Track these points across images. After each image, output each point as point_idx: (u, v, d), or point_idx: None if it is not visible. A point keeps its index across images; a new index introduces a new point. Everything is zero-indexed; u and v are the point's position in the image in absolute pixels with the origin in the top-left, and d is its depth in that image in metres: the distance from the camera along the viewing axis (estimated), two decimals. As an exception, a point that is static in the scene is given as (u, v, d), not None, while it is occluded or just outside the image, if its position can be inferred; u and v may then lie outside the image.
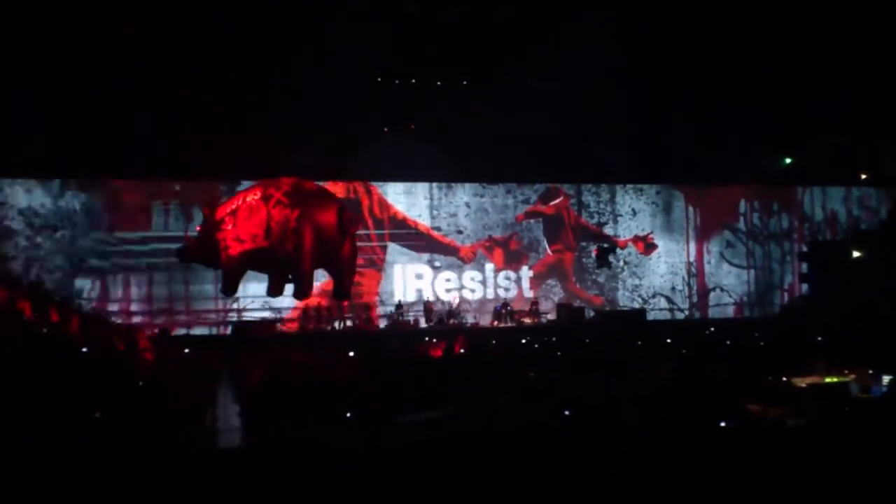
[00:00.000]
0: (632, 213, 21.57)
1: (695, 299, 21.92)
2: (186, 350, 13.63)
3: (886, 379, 9.25)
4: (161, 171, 17.66)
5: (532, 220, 20.87)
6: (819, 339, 13.84)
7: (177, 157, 17.09)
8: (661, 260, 21.66)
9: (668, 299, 21.63)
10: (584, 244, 21.02)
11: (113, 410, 7.48)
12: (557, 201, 21.10)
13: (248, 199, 15.63)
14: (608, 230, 21.36)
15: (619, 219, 21.50)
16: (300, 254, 15.34)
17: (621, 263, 21.25)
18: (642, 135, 19.37)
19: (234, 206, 15.72)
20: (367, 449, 6.45)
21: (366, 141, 18.06)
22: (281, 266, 15.69)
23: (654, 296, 21.51)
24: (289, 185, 15.66)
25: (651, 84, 18.21)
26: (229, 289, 16.43)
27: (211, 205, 16.07)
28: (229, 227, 15.51)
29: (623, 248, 21.26)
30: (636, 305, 21.02)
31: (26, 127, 15.62)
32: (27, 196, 17.35)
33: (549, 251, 20.93)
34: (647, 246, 21.58)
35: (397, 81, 18.24)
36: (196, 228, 16.38)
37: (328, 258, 15.98)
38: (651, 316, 20.34)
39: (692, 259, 21.96)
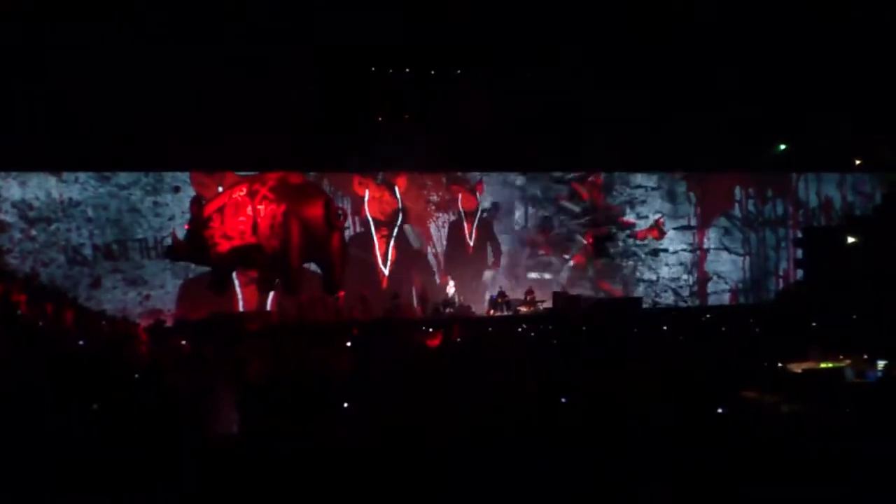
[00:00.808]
0: (641, 201, 21.50)
1: (694, 287, 21.94)
2: (183, 342, 13.61)
3: (881, 364, 9.27)
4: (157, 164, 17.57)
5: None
6: (814, 324, 13.88)
7: (171, 149, 16.99)
8: (670, 249, 21.64)
9: (675, 291, 21.59)
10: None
11: (110, 403, 7.47)
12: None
13: (235, 195, 15.75)
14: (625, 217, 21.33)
15: (634, 206, 21.43)
16: (287, 249, 15.42)
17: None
18: (643, 122, 19.30)
19: (221, 203, 15.80)
20: None
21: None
22: (269, 262, 15.75)
23: (665, 290, 21.48)
24: (274, 181, 15.75)
25: (650, 73, 18.14)
26: (219, 286, 16.41)
27: (198, 202, 16.09)
28: (217, 223, 15.59)
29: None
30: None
31: (20, 119, 15.51)
32: (21, 189, 17.25)
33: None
34: (661, 232, 21.54)
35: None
36: (184, 226, 16.39)
37: (316, 252, 16.03)
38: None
39: (695, 247, 21.93)
